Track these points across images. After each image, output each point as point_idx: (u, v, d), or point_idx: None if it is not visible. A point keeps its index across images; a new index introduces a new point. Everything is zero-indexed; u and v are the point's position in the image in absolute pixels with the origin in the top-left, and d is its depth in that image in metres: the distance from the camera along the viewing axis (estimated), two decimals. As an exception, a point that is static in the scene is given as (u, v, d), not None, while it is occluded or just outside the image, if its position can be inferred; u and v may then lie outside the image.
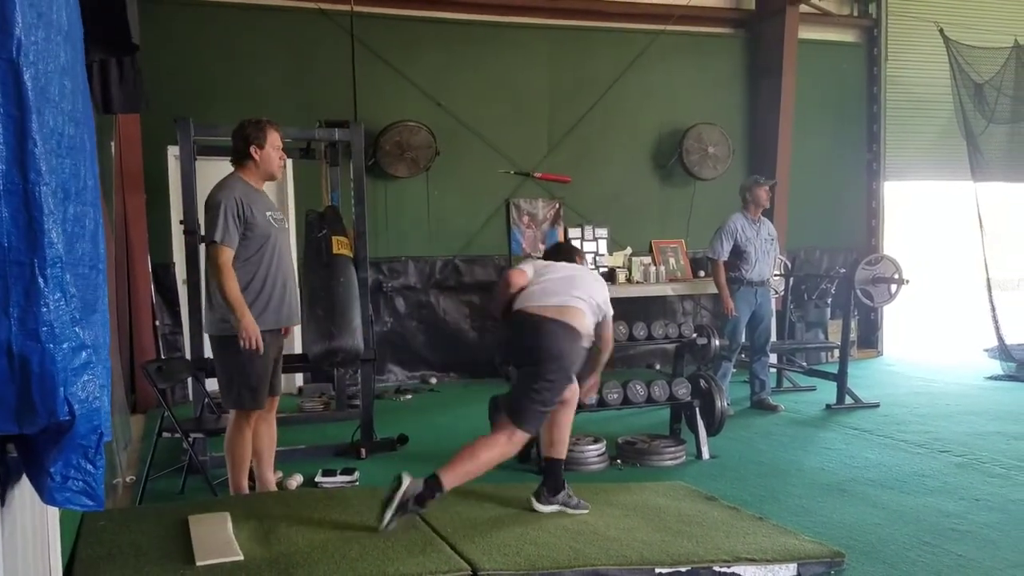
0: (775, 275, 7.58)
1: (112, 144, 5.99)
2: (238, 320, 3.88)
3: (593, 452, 5.07)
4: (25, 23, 1.44)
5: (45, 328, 1.56)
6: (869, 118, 9.72)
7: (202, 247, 5.01)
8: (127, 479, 4.82)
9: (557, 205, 8.57)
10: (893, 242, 9.74)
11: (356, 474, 4.82)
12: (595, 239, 8.55)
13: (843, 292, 7.32)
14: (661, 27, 8.67)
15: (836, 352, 7.58)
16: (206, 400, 4.99)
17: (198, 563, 2.97)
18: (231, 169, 4.16)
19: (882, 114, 9.63)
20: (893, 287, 6.88)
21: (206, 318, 4.17)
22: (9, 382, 1.54)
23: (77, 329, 1.65)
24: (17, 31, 1.43)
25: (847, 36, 9.69)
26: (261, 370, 4.04)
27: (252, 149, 4.07)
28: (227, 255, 3.91)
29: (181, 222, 5.06)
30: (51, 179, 1.53)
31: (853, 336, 8.11)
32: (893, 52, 9.63)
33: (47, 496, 1.74)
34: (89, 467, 1.73)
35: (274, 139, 4.11)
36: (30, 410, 1.58)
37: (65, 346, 1.61)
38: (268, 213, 4.10)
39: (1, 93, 1.40)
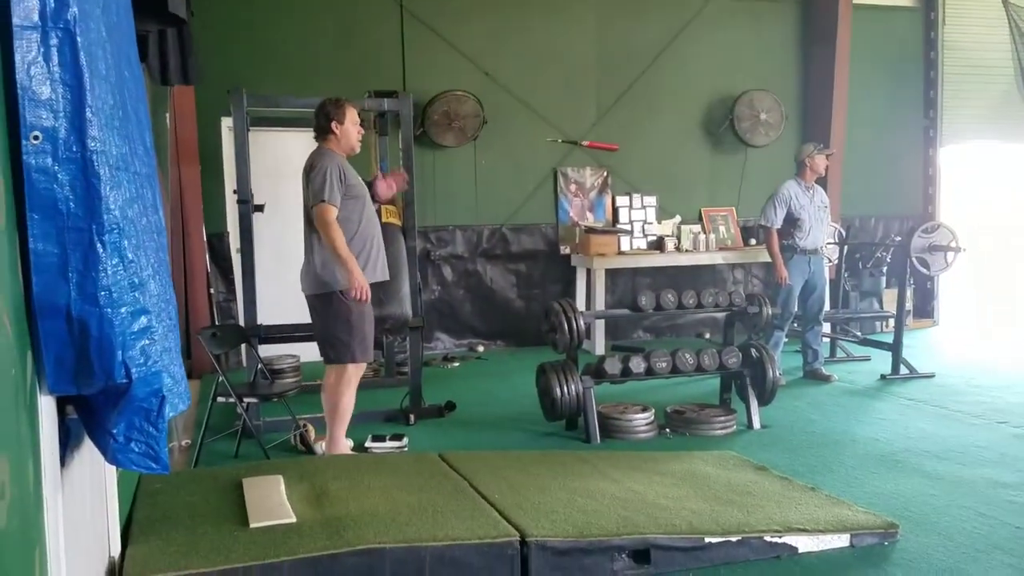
0: (828, 243, 7.43)
1: (167, 116, 6.08)
2: (349, 272, 4.24)
3: (641, 420, 5.06)
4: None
5: (103, 293, 1.60)
6: (926, 83, 9.41)
7: (257, 215, 5.13)
8: (183, 443, 4.95)
9: (605, 173, 8.48)
10: (950, 210, 9.47)
11: (405, 440, 4.88)
12: (643, 207, 8.45)
13: (898, 261, 7.15)
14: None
15: (891, 321, 7.43)
16: (259, 366, 5.08)
17: (252, 525, 3.04)
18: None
19: (939, 79, 9.32)
20: (950, 255, 6.70)
21: (305, 279, 4.45)
22: (68, 345, 1.58)
23: (136, 294, 1.68)
24: (72, 2, 1.45)
25: (903, 0, 9.37)
26: (370, 323, 4.44)
27: (333, 125, 4.43)
28: (333, 213, 4.26)
29: (235, 192, 5.13)
30: (108, 147, 1.55)
31: (908, 305, 7.93)
32: (951, 16, 9.29)
33: (110, 456, 1.79)
34: (151, 430, 1.78)
35: (352, 115, 4.49)
36: (88, 372, 1.63)
37: (123, 311, 1.65)
38: (358, 178, 4.50)
39: (58, 62, 1.43)
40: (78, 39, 1.44)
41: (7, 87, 1.41)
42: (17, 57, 1.39)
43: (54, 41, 1.42)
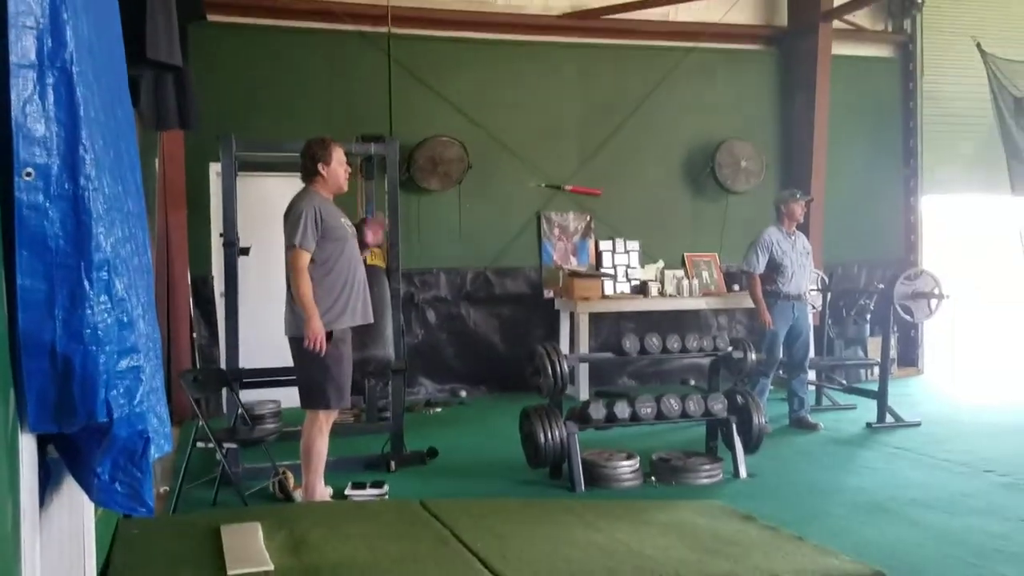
0: (811, 290, 7.49)
1: (156, 161, 6.09)
2: (306, 320, 4.16)
3: (627, 468, 5.02)
4: (77, 35, 1.48)
5: (89, 330, 1.58)
6: (905, 133, 9.59)
7: (241, 259, 5.13)
8: (161, 490, 4.85)
9: (588, 218, 8.54)
10: (932, 257, 9.57)
11: (385, 487, 4.81)
12: (627, 252, 8.50)
13: (882, 308, 7.20)
14: (692, 44, 8.65)
15: (876, 370, 7.45)
16: (240, 411, 5.02)
17: (229, 572, 2.96)
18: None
19: (919, 129, 9.49)
20: (933, 302, 6.76)
21: (286, 320, 4.38)
22: (51, 382, 1.56)
23: (124, 333, 1.66)
24: (69, 42, 1.47)
25: (882, 51, 9.58)
26: (347, 368, 4.35)
27: (319, 166, 4.39)
28: (304, 259, 4.21)
29: (221, 234, 5.12)
30: (100, 185, 1.55)
31: (893, 353, 7.98)
32: (929, 66, 9.49)
33: (95, 495, 1.76)
34: (135, 471, 1.74)
35: (338, 155, 4.46)
36: (69, 410, 1.61)
37: (108, 349, 1.62)
38: (342, 220, 4.44)
39: (54, 100, 1.44)
40: (74, 78, 1.46)
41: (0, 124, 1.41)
42: (13, 95, 1.40)
43: (50, 80, 1.43)
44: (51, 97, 1.43)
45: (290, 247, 4.22)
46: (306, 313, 4.17)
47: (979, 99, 9.10)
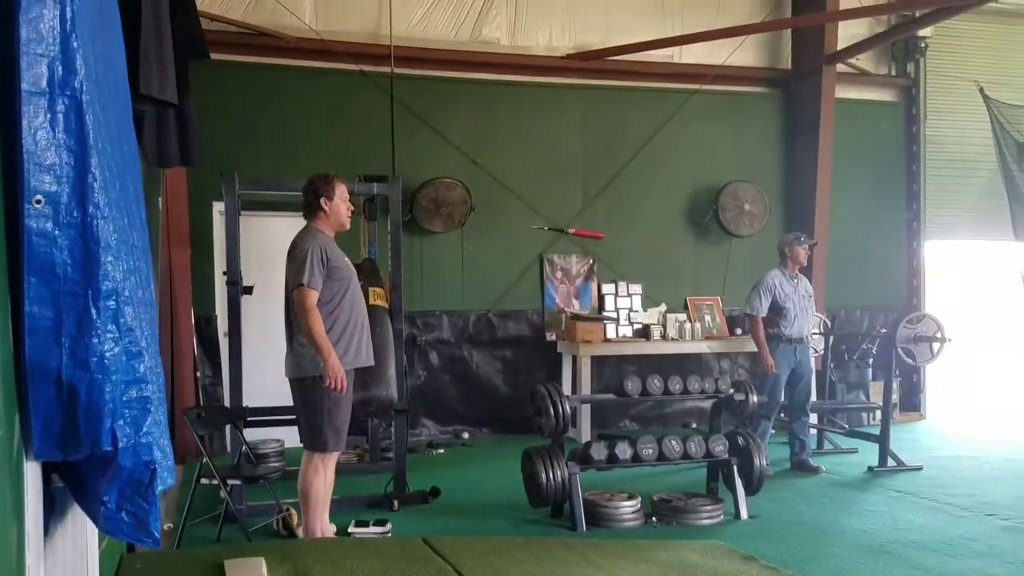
0: (814, 333, 7.49)
1: (160, 199, 6.17)
2: (324, 360, 4.11)
3: (628, 508, 5.00)
4: (86, 65, 1.52)
5: (95, 359, 1.59)
6: (908, 177, 9.65)
7: (244, 298, 5.16)
8: (165, 527, 4.84)
9: (591, 261, 8.60)
10: (935, 302, 9.58)
11: (388, 525, 4.80)
12: (629, 295, 8.53)
13: (884, 352, 7.21)
14: (696, 87, 8.77)
15: (878, 413, 7.43)
16: (244, 448, 5.02)
17: (231, 607, 2.96)
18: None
19: (922, 173, 9.55)
20: (936, 346, 6.77)
21: (288, 362, 4.33)
22: (56, 409, 1.58)
23: (132, 363, 1.67)
24: (79, 70, 1.51)
25: (885, 95, 9.69)
26: (346, 412, 4.27)
27: (322, 201, 4.34)
28: (313, 297, 4.14)
29: (224, 273, 5.17)
30: (109, 214, 1.58)
31: (895, 398, 7.96)
32: (932, 111, 9.58)
33: (101, 524, 1.76)
34: (142, 502, 1.75)
35: (341, 191, 4.40)
36: (74, 438, 1.61)
37: (115, 378, 1.64)
38: (345, 259, 4.39)
39: (64, 129, 1.46)
40: (84, 106, 1.49)
41: (8, 151, 1.44)
42: (24, 122, 1.41)
43: (60, 107, 1.45)
44: (61, 124, 1.45)
45: (297, 286, 4.15)
46: (323, 353, 4.11)
47: (982, 144, 9.19)
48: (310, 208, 4.37)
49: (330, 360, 4.12)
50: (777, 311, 6.50)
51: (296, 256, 4.22)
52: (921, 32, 9.16)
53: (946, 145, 9.60)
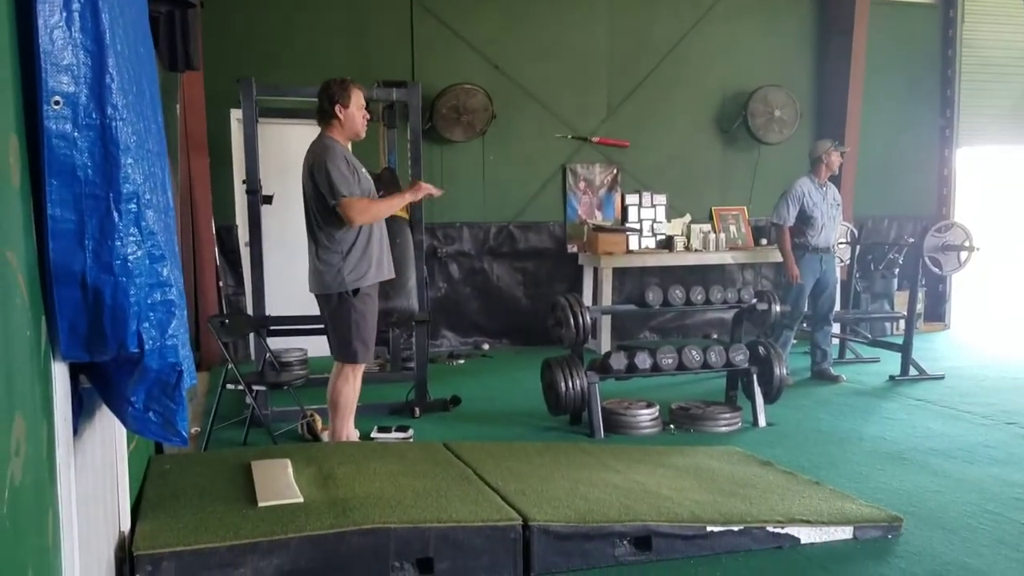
0: (840, 242, 7.41)
1: (177, 106, 6.11)
2: (405, 199, 4.45)
3: (646, 416, 5.06)
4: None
5: (119, 262, 1.61)
6: (943, 82, 9.36)
7: (265, 207, 5.14)
8: (192, 430, 4.97)
9: (615, 171, 8.49)
10: (965, 212, 9.42)
11: (410, 431, 4.90)
12: (653, 206, 8.45)
13: (911, 262, 7.12)
14: (727, -14, 8.46)
15: (902, 323, 7.40)
16: (268, 355, 5.11)
17: (260, 504, 3.07)
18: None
19: (957, 78, 9.27)
20: (963, 255, 6.68)
21: (312, 278, 4.31)
22: (82, 312, 1.60)
23: (156, 267, 1.69)
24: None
25: (922, -4, 9.34)
26: (372, 324, 4.32)
27: (337, 109, 4.21)
28: (358, 202, 4.14)
29: (244, 182, 5.15)
30: (127, 115, 1.57)
31: (920, 307, 7.91)
32: (970, 13, 9.23)
33: (129, 423, 1.81)
34: (169, 402, 1.79)
35: (358, 98, 4.26)
36: (100, 340, 1.64)
37: (139, 281, 1.66)
38: (363, 171, 4.34)
39: (80, 27, 1.44)
40: (100, 4, 1.46)
41: (26, 51, 1.42)
42: (40, 21, 1.39)
43: (76, 6, 1.42)
44: (77, 23, 1.43)
45: (340, 200, 4.05)
46: (400, 201, 4.44)
47: (1018, 47, 8.86)
48: (324, 115, 4.24)
49: (406, 196, 4.43)
50: (804, 220, 6.42)
51: (322, 174, 4.10)
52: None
53: (983, 49, 9.27)
